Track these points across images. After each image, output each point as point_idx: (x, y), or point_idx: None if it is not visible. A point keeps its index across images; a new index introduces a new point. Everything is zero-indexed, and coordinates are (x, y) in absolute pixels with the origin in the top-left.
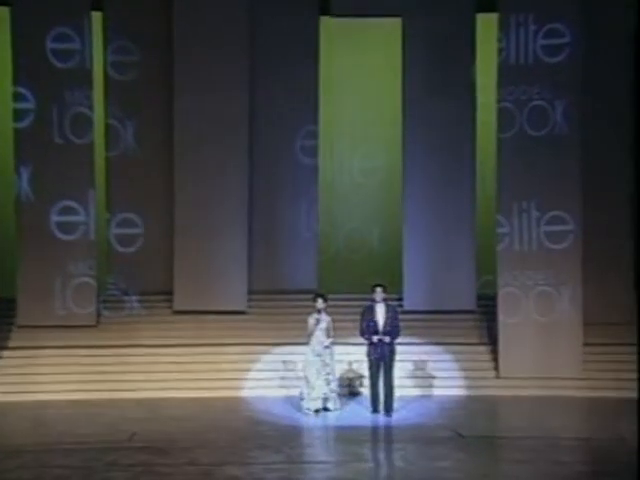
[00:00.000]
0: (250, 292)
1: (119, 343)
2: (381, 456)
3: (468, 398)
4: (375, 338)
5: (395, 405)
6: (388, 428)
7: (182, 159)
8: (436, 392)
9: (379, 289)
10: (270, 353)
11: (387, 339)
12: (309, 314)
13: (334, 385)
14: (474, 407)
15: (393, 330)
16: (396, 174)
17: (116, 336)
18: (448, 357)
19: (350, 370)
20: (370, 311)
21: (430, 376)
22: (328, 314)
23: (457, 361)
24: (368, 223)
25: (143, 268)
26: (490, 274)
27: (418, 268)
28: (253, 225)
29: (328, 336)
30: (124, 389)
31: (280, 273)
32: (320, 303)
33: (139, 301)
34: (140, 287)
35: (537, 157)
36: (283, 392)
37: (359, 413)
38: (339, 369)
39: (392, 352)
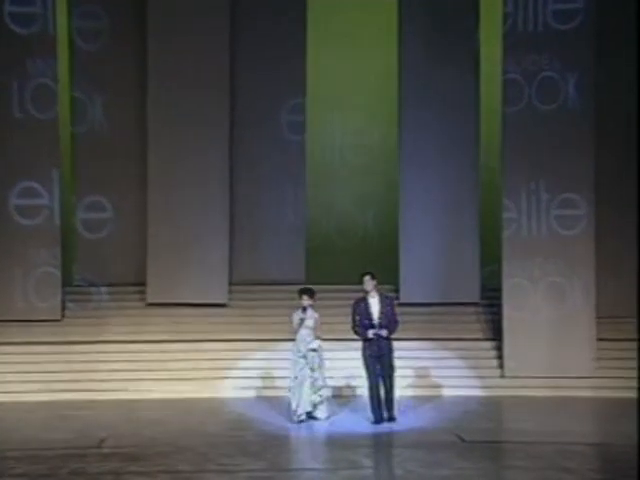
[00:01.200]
0: (231, 283)
1: (86, 339)
2: (375, 463)
3: (470, 399)
4: (371, 333)
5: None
6: (383, 432)
7: (156, 137)
8: (435, 393)
9: (367, 277)
10: (253, 350)
11: (384, 333)
12: (293, 310)
13: (324, 391)
14: (477, 409)
15: (390, 323)
16: (392, 152)
17: (83, 332)
18: (448, 354)
19: (341, 372)
20: (362, 304)
21: (429, 375)
22: (315, 311)
23: (458, 359)
24: (361, 206)
25: (113, 257)
26: (495, 263)
27: (416, 256)
28: (234, 209)
29: (315, 336)
30: (92, 390)
31: (264, 262)
32: (306, 300)
33: (108, 293)
34: (110, 278)
35: (546, 134)
36: (267, 393)
37: (352, 419)
38: (331, 370)
39: (391, 349)
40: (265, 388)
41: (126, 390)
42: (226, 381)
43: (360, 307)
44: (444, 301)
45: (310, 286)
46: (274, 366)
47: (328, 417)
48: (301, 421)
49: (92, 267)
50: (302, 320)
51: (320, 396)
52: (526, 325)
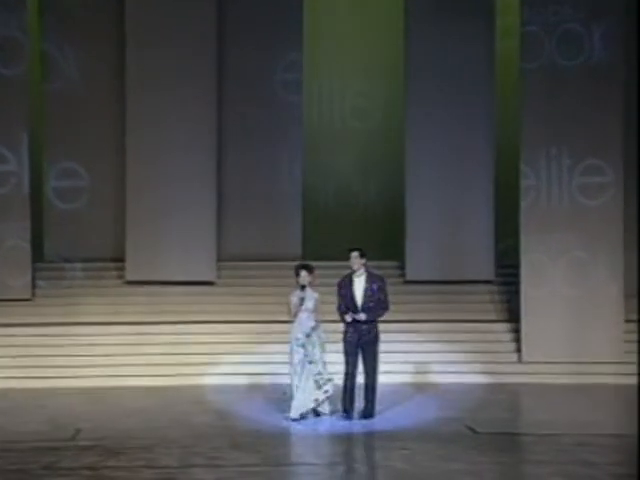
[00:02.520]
0: (219, 259)
1: (60, 320)
2: (378, 457)
3: (484, 387)
4: (348, 317)
5: (391, 399)
6: (387, 423)
7: (135, 95)
8: (445, 379)
9: (355, 254)
10: (244, 333)
11: (362, 316)
12: (291, 291)
13: (329, 387)
14: (491, 398)
15: (375, 306)
16: (397, 115)
17: (56, 312)
18: (459, 337)
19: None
20: (347, 283)
21: (437, 361)
22: (315, 290)
23: (471, 342)
24: (363, 175)
25: (88, 229)
26: (512, 236)
27: (424, 229)
28: (223, 177)
29: (315, 319)
30: (66, 376)
31: (256, 236)
32: (304, 277)
33: (83, 269)
34: (85, 252)
35: (569, 92)
36: (260, 380)
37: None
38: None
39: (375, 337)
40: (257, 375)
41: (103, 376)
42: (214, 367)
43: (344, 287)
44: (455, 279)
45: (308, 262)
46: (267, 350)
47: (333, 412)
48: (302, 418)
49: (65, 241)
50: (302, 300)
51: (326, 392)
52: (546, 305)
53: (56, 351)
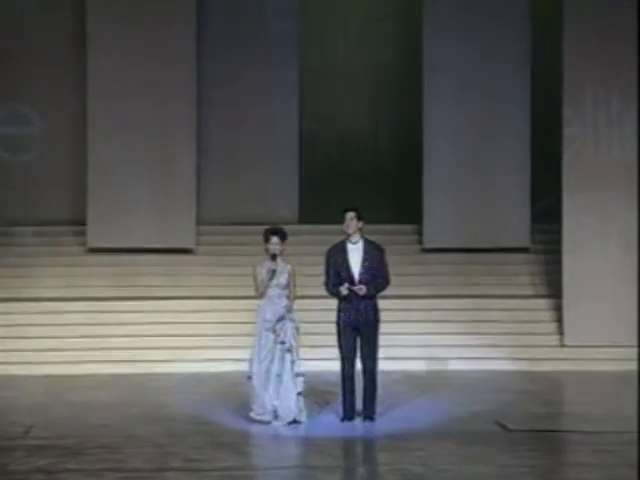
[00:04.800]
0: (200, 223)
1: (8, 296)
2: (388, 459)
3: (518, 375)
4: (344, 288)
5: (405, 390)
6: (399, 419)
7: (98, 23)
8: (470, 367)
9: (350, 215)
10: (228, 310)
11: (363, 290)
12: (258, 261)
13: (299, 381)
14: (526, 388)
15: (375, 281)
16: (412, 47)
17: (3, 285)
18: (489, 316)
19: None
20: (339, 251)
21: (462, 344)
22: (287, 261)
23: (502, 322)
24: (372, 119)
25: (42, 187)
26: (551, 196)
27: (444, 187)
28: (204, 126)
29: (288, 297)
30: (17, 362)
31: (244, 195)
32: (275, 243)
33: (37, 235)
34: (38, 215)
35: (623, 17)
36: (246, 367)
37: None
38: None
39: (375, 317)
40: (244, 361)
41: (60, 363)
42: (192, 351)
43: (336, 257)
44: (482, 246)
45: (280, 226)
46: (254, 331)
47: (311, 417)
48: (267, 423)
49: (15, 201)
50: (273, 272)
51: (299, 393)
52: (593, 278)
53: (4, 332)
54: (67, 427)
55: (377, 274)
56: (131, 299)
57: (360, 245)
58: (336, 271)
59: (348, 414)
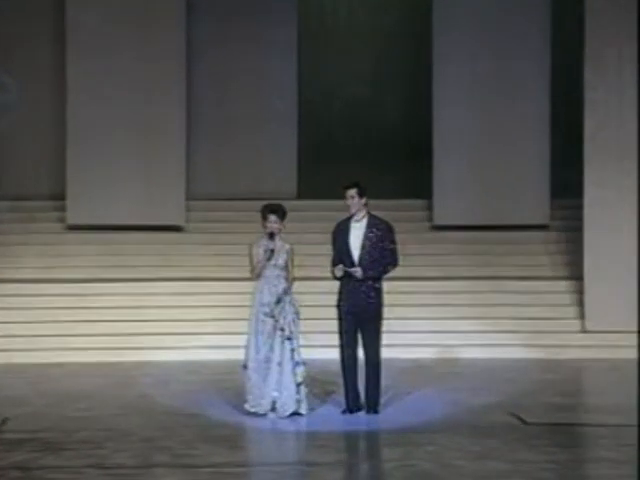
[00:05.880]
0: (190, 198)
1: None
2: (395, 455)
3: (536, 363)
4: (338, 269)
5: (414, 379)
6: (408, 411)
7: None
8: (484, 354)
9: (352, 192)
10: (219, 293)
11: (358, 272)
12: (255, 239)
13: (299, 370)
14: (544, 378)
15: (377, 261)
16: (422, 3)
17: None
18: (505, 299)
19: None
20: (343, 230)
21: (475, 330)
22: (285, 240)
23: (519, 306)
24: (378, 85)
25: (18, 159)
26: (573, 167)
27: (457, 159)
28: (195, 93)
29: (287, 279)
30: None
31: (238, 169)
32: (273, 221)
33: (11, 210)
34: (13, 189)
35: None
36: (240, 355)
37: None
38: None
39: (379, 302)
40: (237, 348)
41: (39, 350)
42: (181, 338)
43: (338, 236)
44: (497, 223)
45: (279, 202)
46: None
47: (311, 409)
48: (263, 415)
49: None
50: (271, 252)
51: (298, 383)
52: (617, 258)
53: None
54: (46, 420)
55: (381, 254)
56: (116, 281)
57: (364, 223)
58: (338, 251)
59: (350, 406)
